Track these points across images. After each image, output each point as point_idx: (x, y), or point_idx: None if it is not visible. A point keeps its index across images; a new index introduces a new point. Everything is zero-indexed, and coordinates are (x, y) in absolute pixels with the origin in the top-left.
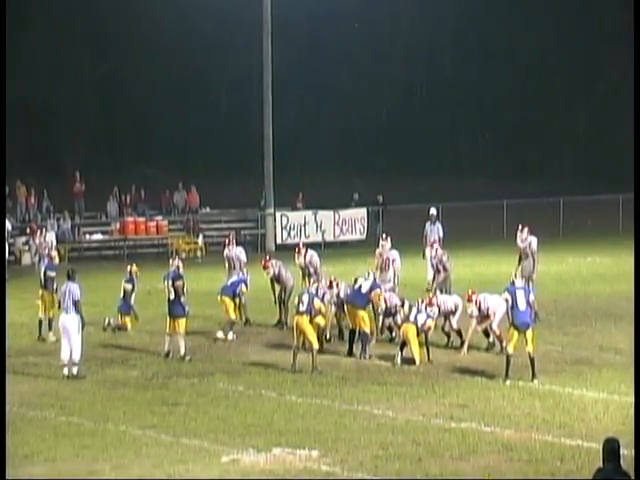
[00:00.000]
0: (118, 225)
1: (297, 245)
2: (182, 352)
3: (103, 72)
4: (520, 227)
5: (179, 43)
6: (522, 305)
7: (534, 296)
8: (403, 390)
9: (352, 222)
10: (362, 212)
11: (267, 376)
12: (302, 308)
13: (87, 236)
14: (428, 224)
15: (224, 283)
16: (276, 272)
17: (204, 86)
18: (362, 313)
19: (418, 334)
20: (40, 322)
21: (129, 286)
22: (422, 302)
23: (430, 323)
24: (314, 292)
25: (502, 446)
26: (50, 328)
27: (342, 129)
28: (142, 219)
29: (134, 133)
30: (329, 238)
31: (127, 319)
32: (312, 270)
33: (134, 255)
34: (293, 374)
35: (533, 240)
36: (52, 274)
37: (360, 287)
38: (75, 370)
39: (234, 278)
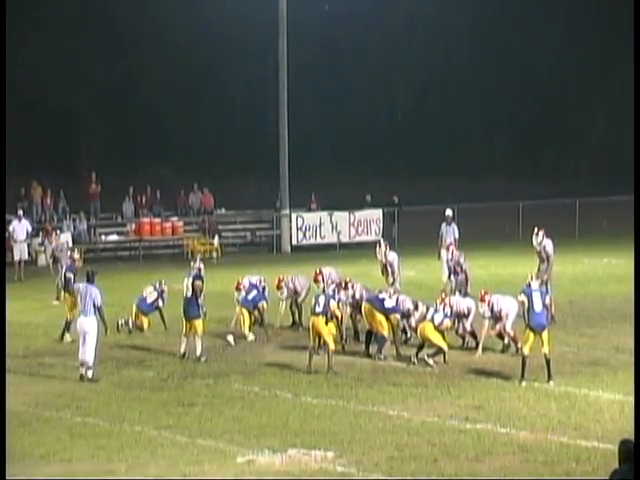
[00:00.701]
0: (134, 226)
1: (314, 273)
2: (198, 353)
3: (119, 72)
4: (536, 230)
5: (194, 43)
6: (538, 307)
7: (550, 298)
8: (418, 391)
9: (367, 223)
10: (377, 213)
11: (282, 377)
12: (318, 309)
13: (103, 237)
14: (444, 225)
15: (243, 295)
16: (291, 290)
17: (219, 86)
18: (380, 316)
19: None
20: (68, 323)
21: (161, 302)
22: (440, 303)
23: (447, 323)
24: (330, 293)
25: (518, 447)
26: (68, 329)
27: (357, 130)
28: (158, 220)
29: (149, 134)
30: (344, 239)
31: (144, 319)
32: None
33: (149, 256)
34: (308, 375)
35: (548, 243)
36: (70, 275)
37: (383, 299)
38: (90, 374)
39: (254, 293)
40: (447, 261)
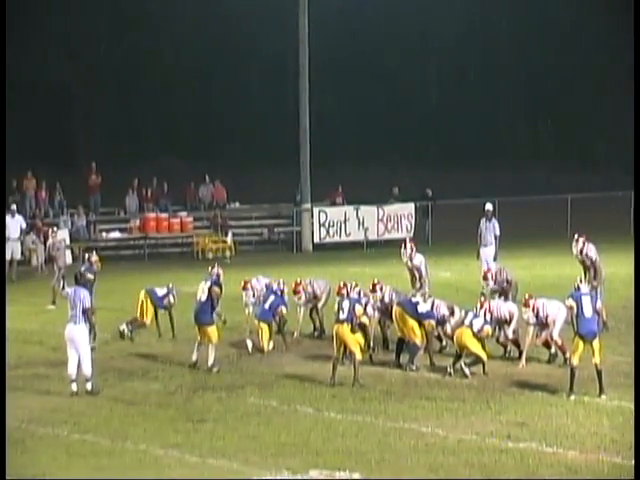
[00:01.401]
0: (138, 222)
1: (338, 286)
2: (210, 362)
3: (122, 52)
4: (575, 237)
5: (205, 20)
6: (588, 312)
7: (602, 303)
8: (455, 406)
9: (398, 219)
10: (409, 207)
11: (303, 390)
12: (342, 316)
13: (104, 234)
14: (483, 221)
15: (261, 305)
16: (310, 295)
17: (234, 68)
18: (412, 322)
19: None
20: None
21: (172, 298)
22: (481, 307)
23: (488, 329)
24: (356, 298)
25: (566, 469)
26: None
27: (386, 115)
28: (164, 215)
29: (156, 120)
30: (372, 236)
31: (151, 310)
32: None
33: (155, 255)
34: (332, 388)
35: (590, 249)
36: (91, 276)
37: (417, 303)
38: (89, 386)
39: (272, 299)
40: (492, 284)
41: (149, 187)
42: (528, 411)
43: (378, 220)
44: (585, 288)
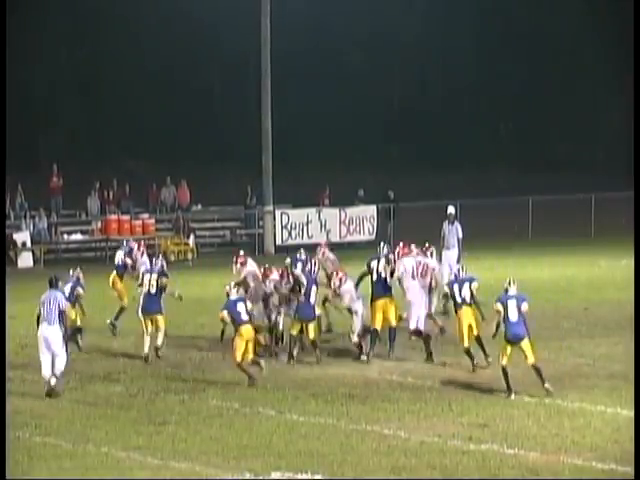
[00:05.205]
0: (99, 224)
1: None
2: (159, 343)
3: (83, 54)
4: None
5: (167, 22)
6: (513, 316)
7: (527, 304)
8: (416, 408)
9: (360, 221)
10: (371, 210)
11: (265, 392)
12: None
13: (65, 236)
14: (446, 224)
15: (306, 303)
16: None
17: (196, 69)
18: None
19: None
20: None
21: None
22: None
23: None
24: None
25: (527, 470)
26: (81, 336)
27: (349, 117)
28: (126, 217)
29: (117, 122)
30: (334, 239)
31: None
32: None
33: None
34: (294, 390)
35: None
36: (80, 291)
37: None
38: (54, 382)
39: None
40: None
41: (111, 189)
42: (489, 413)
43: (340, 222)
44: (513, 290)
